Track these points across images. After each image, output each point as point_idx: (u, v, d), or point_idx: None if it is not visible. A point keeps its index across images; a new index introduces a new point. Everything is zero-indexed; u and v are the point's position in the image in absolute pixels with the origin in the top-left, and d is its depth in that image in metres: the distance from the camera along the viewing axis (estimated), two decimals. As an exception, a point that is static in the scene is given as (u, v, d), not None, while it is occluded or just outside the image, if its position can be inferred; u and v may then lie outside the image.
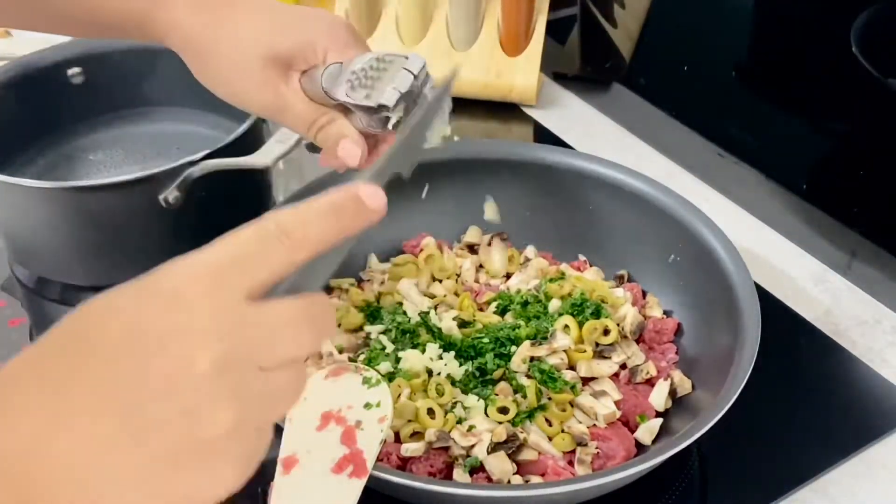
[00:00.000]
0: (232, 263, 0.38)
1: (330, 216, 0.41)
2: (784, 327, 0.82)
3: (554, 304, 0.77)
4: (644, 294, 0.82)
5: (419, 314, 0.77)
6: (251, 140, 0.85)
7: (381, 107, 0.62)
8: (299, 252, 0.40)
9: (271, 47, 0.64)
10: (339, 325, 0.77)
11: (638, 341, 0.78)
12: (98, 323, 0.37)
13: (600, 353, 0.75)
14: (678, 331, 0.79)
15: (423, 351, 0.73)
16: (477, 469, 0.67)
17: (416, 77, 0.63)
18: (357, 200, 0.42)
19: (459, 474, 0.67)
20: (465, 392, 0.71)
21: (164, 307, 0.37)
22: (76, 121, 0.98)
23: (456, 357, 0.73)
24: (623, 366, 0.75)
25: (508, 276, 0.84)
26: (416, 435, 0.69)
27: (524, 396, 0.70)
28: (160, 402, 0.36)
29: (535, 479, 0.67)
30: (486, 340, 0.74)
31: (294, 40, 0.64)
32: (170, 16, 0.65)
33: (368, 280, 0.84)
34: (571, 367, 0.74)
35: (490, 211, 0.86)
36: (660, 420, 0.72)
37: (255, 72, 0.64)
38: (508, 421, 0.69)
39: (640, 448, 0.71)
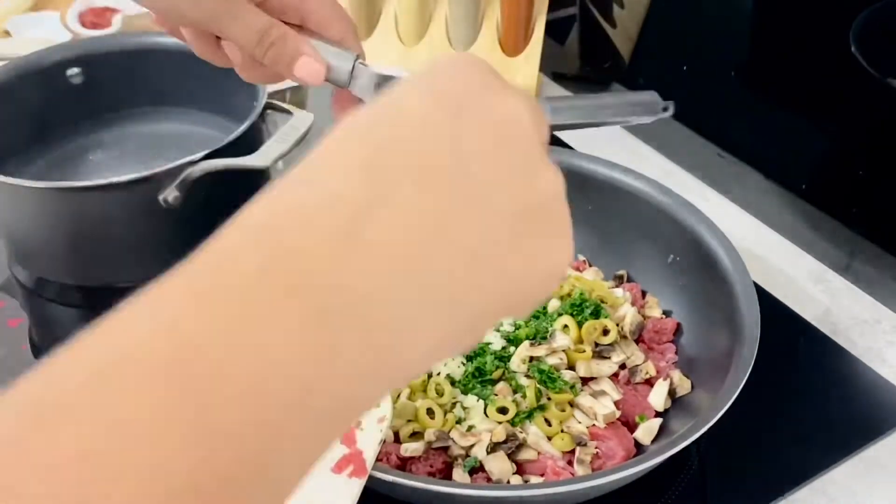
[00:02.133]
0: None
1: None
2: (783, 327, 0.82)
3: (553, 304, 0.77)
4: (643, 294, 0.82)
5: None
6: (251, 140, 0.85)
7: None
8: None
9: None
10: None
11: (637, 341, 0.77)
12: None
13: (600, 353, 0.75)
14: (678, 331, 0.79)
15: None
16: (476, 469, 0.67)
17: None
18: None
19: (459, 474, 0.67)
20: (464, 392, 0.71)
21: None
22: (76, 121, 0.98)
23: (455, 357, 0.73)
24: (622, 366, 0.75)
25: (508, 276, 0.84)
26: (416, 435, 0.69)
27: (524, 396, 0.70)
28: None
29: (535, 479, 0.67)
30: (485, 340, 0.74)
31: None
32: None
33: (368, 280, 0.83)
34: (571, 367, 0.74)
35: None
36: (659, 420, 0.72)
37: None
38: (508, 421, 0.69)
39: (640, 448, 0.71)
